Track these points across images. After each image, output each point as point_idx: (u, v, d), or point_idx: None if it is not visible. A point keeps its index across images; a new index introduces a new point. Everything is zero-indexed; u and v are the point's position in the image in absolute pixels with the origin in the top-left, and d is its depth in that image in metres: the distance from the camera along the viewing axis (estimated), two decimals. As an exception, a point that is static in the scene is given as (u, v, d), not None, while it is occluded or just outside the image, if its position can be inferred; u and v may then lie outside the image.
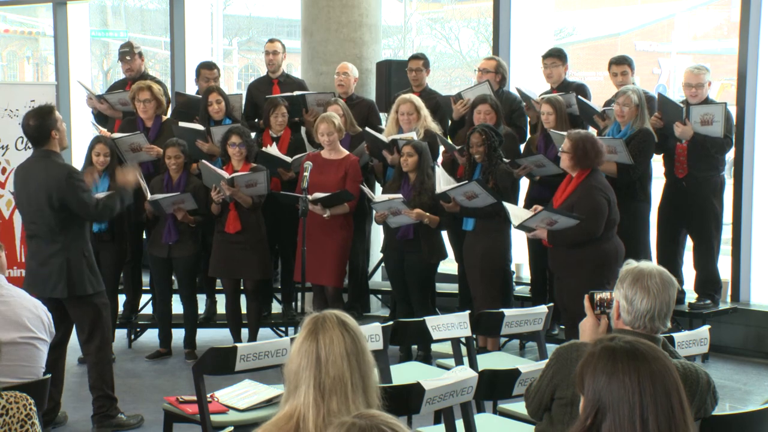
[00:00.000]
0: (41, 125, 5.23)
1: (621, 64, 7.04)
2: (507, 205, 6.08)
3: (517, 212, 6.04)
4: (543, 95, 7.03)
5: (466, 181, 6.31)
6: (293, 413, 2.46)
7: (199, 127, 7.22)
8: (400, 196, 6.44)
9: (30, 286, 5.26)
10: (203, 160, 6.86)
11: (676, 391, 2.30)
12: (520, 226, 5.99)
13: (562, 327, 6.55)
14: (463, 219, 6.58)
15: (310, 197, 6.50)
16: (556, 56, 7.24)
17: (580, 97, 6.98)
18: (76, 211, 5.30)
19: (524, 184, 6.99)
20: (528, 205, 6.59)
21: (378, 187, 7.42)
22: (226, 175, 6.68)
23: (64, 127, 5.39)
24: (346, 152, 6.93)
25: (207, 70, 7.95)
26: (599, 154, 5.84)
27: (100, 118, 7.91)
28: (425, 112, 7.06)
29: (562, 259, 5.93)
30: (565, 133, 6.06)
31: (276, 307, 7.74)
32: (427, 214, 6.44)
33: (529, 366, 4.09)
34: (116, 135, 7.12)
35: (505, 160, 6.54)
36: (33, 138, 5.30)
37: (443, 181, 6.43)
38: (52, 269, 5.29)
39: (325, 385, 2.43)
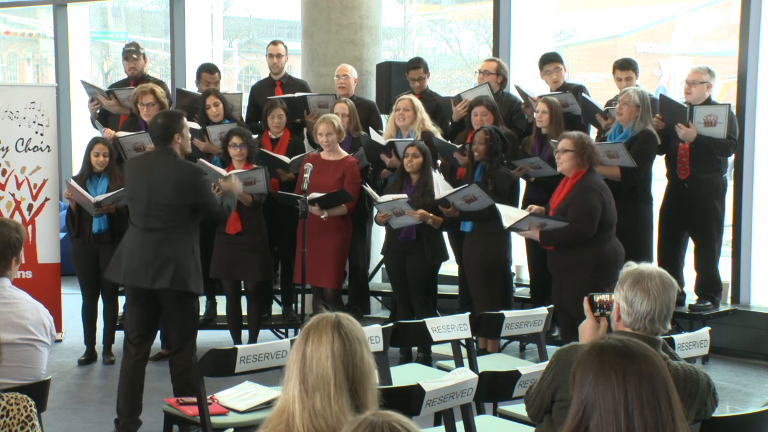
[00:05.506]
0: (167, 125, 5.39)
1: (626, 69, 7.02)
2: (499, 206, 6.06)
3: (509, 213, 6.02)
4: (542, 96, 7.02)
5: (466, 185, 6.31)
6: (284, 408, 2.53)
7: (195, 125, 7.22)
8: (405, 196, 6.44)
9: (132, 277, 5.33)
10: (201, 159, 6.87)
11: (665, 389, 2.30)
12: (511, 228, 5.98)
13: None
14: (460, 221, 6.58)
15: (308, 198, 6.50)
16: (557, 60, 7.24)
17: (583, 94, 6.97)
18: (203, 209, 5.40)
19: (523, 185, 6.98)
20: (525, 207, 6.58)
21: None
22: (224, 172, 6.68)
23: (189, 135, 5.55)
24: (345, 154, 6.93)
25: (208, 74, 7.86)
26: (596, 152, 5.87)
27: (101, 120, 7.90)
28: (424, 115, 7.06)
29: (559, 261, 5.92)
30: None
31: (276, 309, 7.74)
32: (431, 214, 6.44)
33: (529, 368, 4.09)
34: (120, 134, 7.14)
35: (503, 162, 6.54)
36: (156, 135, 5.44)
37: (441, 187, 6.43)
38: (160, 260, 5.27)
39: (309, 382, 2.49)
